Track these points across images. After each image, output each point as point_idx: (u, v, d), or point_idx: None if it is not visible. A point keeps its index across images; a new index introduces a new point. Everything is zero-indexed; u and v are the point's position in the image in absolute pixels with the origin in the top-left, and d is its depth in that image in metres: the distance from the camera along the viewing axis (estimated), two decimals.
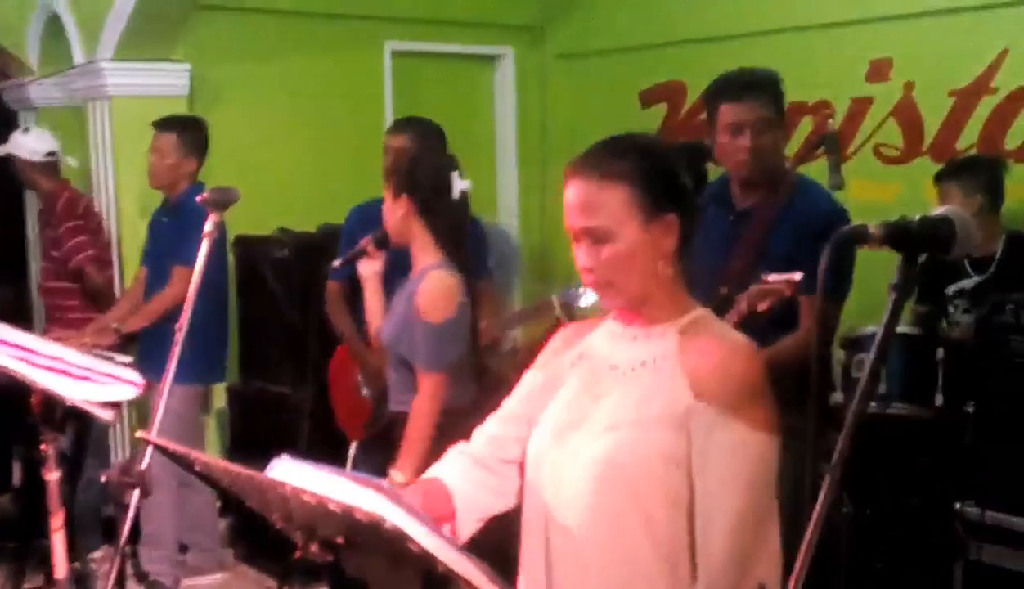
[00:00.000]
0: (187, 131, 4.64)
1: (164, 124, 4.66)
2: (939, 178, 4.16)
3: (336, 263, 3.51)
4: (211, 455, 3.37)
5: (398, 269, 3.41)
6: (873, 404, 3.47)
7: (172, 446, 1.83)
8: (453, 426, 3.12)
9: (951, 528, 3.32)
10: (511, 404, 2.05)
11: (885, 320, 1.41)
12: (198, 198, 2.79)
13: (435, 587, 1.55)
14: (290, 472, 1.62)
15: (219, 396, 5.17)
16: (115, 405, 2.53)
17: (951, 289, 4.04)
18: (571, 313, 3.91)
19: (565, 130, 6.43)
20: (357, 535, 1.57)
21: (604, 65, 6.24)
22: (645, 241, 1.81)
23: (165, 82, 5.18)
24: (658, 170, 1.85)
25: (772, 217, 3.17)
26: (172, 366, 2.53)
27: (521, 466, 1.97)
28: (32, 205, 5.71)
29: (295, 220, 5.18)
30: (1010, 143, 4.59)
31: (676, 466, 1.77)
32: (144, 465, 2.39)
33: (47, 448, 2.45)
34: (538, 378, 2.02)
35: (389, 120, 5.85)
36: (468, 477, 2.00)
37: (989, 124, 4.66)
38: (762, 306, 2.76)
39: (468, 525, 1.98)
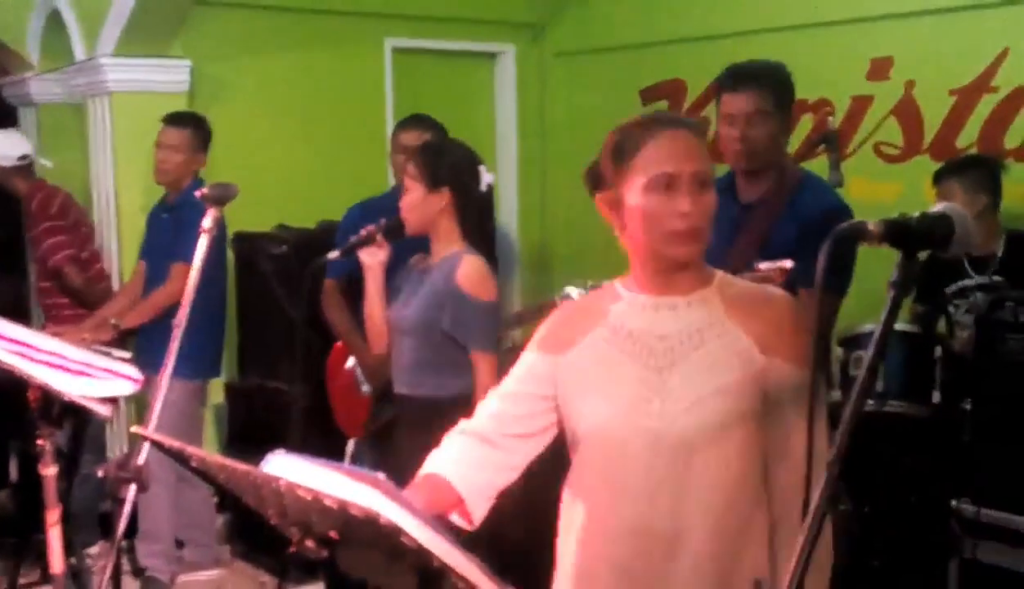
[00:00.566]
0: (199, 128, 4.65)
1: (177, 120, 4.65)
2: (940, 176, 4.15)
3: (334, 254, 3.44)
4: (208, 451, 3.37)
5: (399, 259, 3.41)
6: (871, 401, 3.47)
7: (168, 441, 1.82)
8: (459, 414, 3.18)
9: (947, 526, 3.32)
10: (510, 384, 2.09)
11: (884, 317, 1.41)
12: (197, 193, 2.78)
13: (431, 582, 1.54)
14: (285, 467, 1.61)
15: (217, 392, 5.17)
16: (113, 401, 2.53)
17: (951, 288, 4.04)
18: None
19: (565, 128, 6.43)
20: (352, 530, 1.56)
21: (605, 63, 6.24)
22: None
23: (165, 78, 5.18)
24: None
25: (776, 211, 3.18)
26: (170, 361, 2.52)
27: (524, 438, 2.03)
28: None
29: (295, 216, 5.18)
30: (1010, 142, 4.59)
31: (758, 421, 1.86)
32: (141, 460, 2.39)
33: (44, 443, 2.45)
34: (549, 361, 2.04)
35: (389, 117, 5.85)
36: (469, 460, 2.06)
37: (989, 123, 4.66)
38: None
39: (479, 506, 2.04)
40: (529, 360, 2.07)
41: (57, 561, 2.53)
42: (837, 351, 3.72)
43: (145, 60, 5.14)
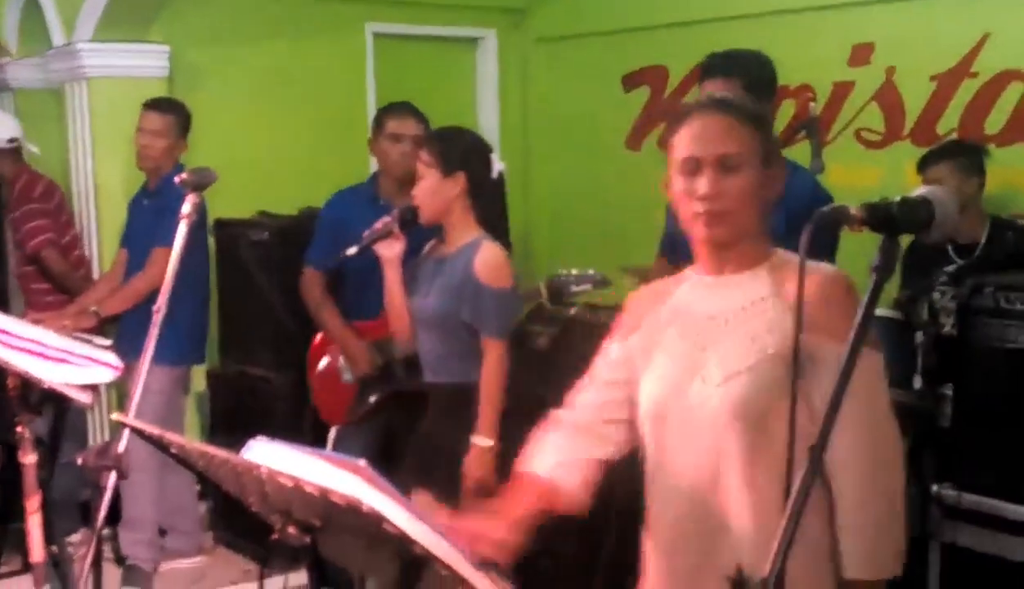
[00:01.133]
0: (181, 113, 4.63)
1: (160, 105, 4.63)
2: (929, 161, 4.15)
3: (352, 250, 3.41)
4: (191, 438, 3.36)
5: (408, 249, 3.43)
6: None
7: (147, 428, 1.82)
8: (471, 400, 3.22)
9: (928, 511, 3.33)
10: (600, 371, 2.16)
11: (866, 301, 1.41)
12: (176, 179, 2.77)
13: (413, 569, 1.54)
14: (266, 454, 1.61)
15: (199, 379, 5.15)
16: (93, 388, 2.52)
17: (936, 274, 4.05)
18: (559, 298, 3.92)
19: (547, 113, 6.42)
20: (334, 517, 1.56)
21: (586, 48, 6.22)
22: (762, 183, 1.96)
23: (144, 64, 5.15)
24: (769, 126, 2.04)
25: None
26: (150, 348, 2.51)
27: (623, 423, 2.09)
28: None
29: (276, 203, 5.16)
30: (990, 128, 4.60)
31: (804, 397, 1.85)
32: (121, 448, 2.38)
33: (23, 431, 2.44)
34: (623, 347, 2.12)
35: (370, 103, 5.83)
36: (569, 451, 2.12)
37: (970, 109, 4.67)
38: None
39: (583, 495, 2.12)
40: (611, 349, 2.16)
41: (37, 550, 2.52)
42: None
43: (124, 45, 5.11)
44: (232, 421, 4.96)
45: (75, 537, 4.76)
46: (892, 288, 4.11)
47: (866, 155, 5.01)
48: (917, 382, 3.58)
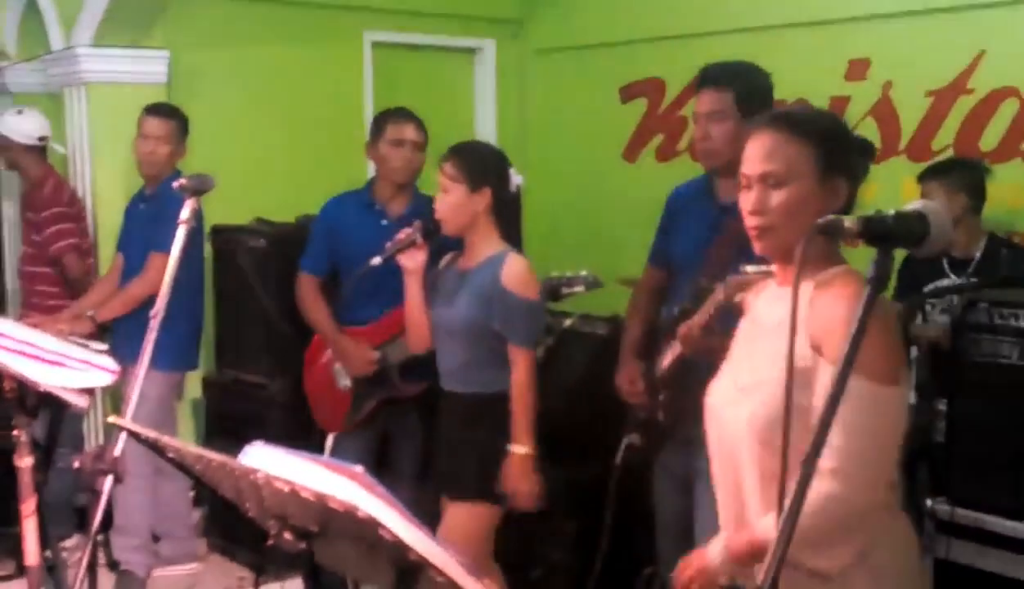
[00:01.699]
0: (182, 119, 4.66)
1: (163, 110, 4.64)
2: (923, 177, 4.19)
3: (376, 260, 3.43)
4: (187, 443, 3.36)
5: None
6: None
7: (145, 432, 1.82)
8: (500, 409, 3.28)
9: (922, 526, 3.34)
10: None
11: (859, 314, 1.42)
12: (175, 184, 2.78)
13: (408, 575, 1.55)
14: (263, 459, 1.61)
15: (194, 386, 5.15)
16: (89, 392, 2.52)
17: (928, 287, 4.07)
18: (552, 299, 3.93)
19: (545, 124, 6.43)
20: (330, 523, 1.56)
21: (584, 60, 6.24)
22: (816, 196, 1.98)
23: (143, 69, 5.15)
24: (838, 138, 2.07)
25: None
26: (147, 352, 2.51)
27: None
28: (9, 187, 5.66)
29: (273, 210, 5.16)
30: (985, 144, 4.62)
31: (800, 419, 1.86)
32: (117, 452, 2.38)
33: (19, 434, 2.44)
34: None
35: (368, 111, 5.84)
36: None
37: (965, 125, 4.69)
38: (739, 297, 2.78)
39: None
40: None
41: (32, 554, 2.52)
42: None
43: (123, 50, 5.11)
44: (228, 427, 4.96)
45: (69, 542, 4.75)
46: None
47: None
48: (911, 397, 3.59)
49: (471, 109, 6.53)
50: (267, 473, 1.53)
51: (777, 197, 1.98)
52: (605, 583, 3.52)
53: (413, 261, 3.43)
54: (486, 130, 6.50)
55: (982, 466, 3.24)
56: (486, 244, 3.36)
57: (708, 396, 2.17)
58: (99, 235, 5.18)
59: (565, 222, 6.27)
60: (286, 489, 1.50)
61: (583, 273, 3.90)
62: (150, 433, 1.80)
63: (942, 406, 3.41)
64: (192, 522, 4.92)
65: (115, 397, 4.88)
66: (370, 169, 4.62)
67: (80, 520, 4.76)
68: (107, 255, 5.03)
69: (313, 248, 4.18)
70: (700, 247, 3.24)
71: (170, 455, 1.82)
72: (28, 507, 2.46)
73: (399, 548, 1.44)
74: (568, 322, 4.40)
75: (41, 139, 5.00)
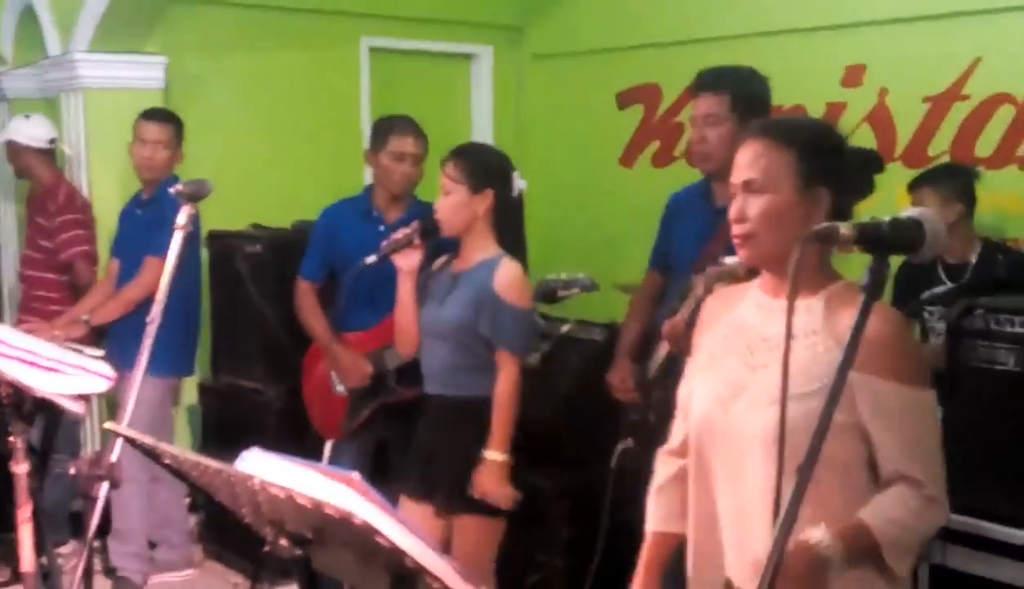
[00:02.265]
0: (179, 123, 4.67)
1: (161, 115, 4.65)
2: (915, 184, 4.19)
3: (371, 259, 3.40)
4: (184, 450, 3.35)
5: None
6: None
7: (141, 438, 1.82)
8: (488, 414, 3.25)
9: None
10: (683, 397, 2.20)
11: (855, 321, 1.42)
12: (171, 190, 2.78)
13: (404, 583, 1.55)
14: (260, 465, 1.61)
15: (191, 392, 5.15)
16: (85, 398, 2.52)
17: (925, 295, 4.07)
18: (549, 301, 3.92)
19: (542, 130, 6.44)
20: (326, 530, 1.56)
21: (581, 66, 6.25)
22: (797, 206, 1.96)
23: (140, 75, 5.15)
24: (823, 146, 2.02)
25: None
26: (144, 358, 2.52)
27: None
28: (6, 191, 5.66)
29: (269, 216, 5.16)
30: (981, 151, 4.63)
31: (843, 433, 1.87)
32: (114, 458, 2.38)
33: (15, 440, 2.44)
34: (694, 362, 2.16)
35: (365, 117, 5.84)
36: (674, 498, 2.20)
37: (961, 131, 4.70)
38: (719, 287, 2.77)
39: None
40: (688, 367, 2.20)
41: (28, 560, 2.51)
42: None
43: (120, 56, 5.11)
44: (224, 434, 4.96)
45: (66, 548, 4.74)
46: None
47: None
48: None
49: (468, 115, 6.53)
50: (263, 479, 1.53)
51: (756, 204, 1.97)
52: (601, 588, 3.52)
53: (408, 261, 3.38)
54: (483, 136, 6.50)
55: (978, 472, 3.24)
56: (481, 248, 3.32)
57: (699, 413, 2.09)
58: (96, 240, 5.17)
59: (562, 227, 6.27)
60: (282, 495, 1.50)
61: (579, 276, 3.90)
62: (146, 439, 1.79)
63: (938, 412, 3.41)
64: (188, 528, 4.92)
65: (112, 403, 4.88)
66: (367, 175, 4.62)
67: (76, 526, 4.76)
68: (104, 260, 5.03)
69: (311, 255, 4.18)
70: (698, 250, 3.25)
71: (166, 461, 1.82)
72: (24, 513, 2.45)
73: (395, 555, 1.44)
74: (565, 328, 4.40)
75: (51, 142, 5.01)
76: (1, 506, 2.92)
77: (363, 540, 1.44)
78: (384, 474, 4.04)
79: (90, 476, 2.35)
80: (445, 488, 3.29)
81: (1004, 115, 4.57)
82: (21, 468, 2.44)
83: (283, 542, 1.68)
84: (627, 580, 2.23)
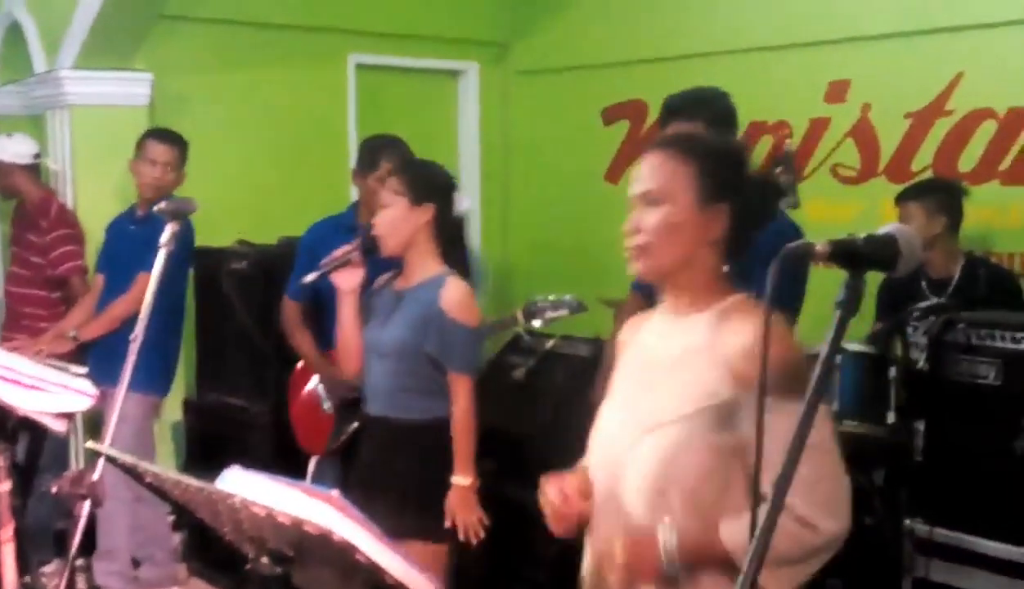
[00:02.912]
0: (185, 146, 4.68)
1: (169, 137, 4.66)
2: (901, 198, 4.22)
3: (310, 277, 3.30)
4: (165, 467, 3.34)
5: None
6: None
7: (122, 457, 1.82)
8: (439, 437, 3.18)
9: (901, 545, 3.35)
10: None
11: (831, 337, 1.43)
12: (155, 208, 2.79)
13: None
14: (240, 482, 1.61)
15: (175, 409, 5.13)
16: (68, 416, 2.52)
17: (908, 309, 4.09)
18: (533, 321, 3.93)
19: (528, 146, 6.46)
20: (306, 547, 1.57)
21: (567, 82, 6.28)
22: (693, 220, 1.91)
23: (126, 91, 5.15)
24: (726, 162, 1.97)
25: None
26: (126, 375, 2.51)
27: None
28: None
29: (255, 232, 5.15)
30: (963, 165, 4.66)
31: (727, 454, 1.83)
32: (96, 476, 2.38)
33: None
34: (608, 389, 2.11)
35: (352, 133, 5.85)
36: None
37: (944, 146, 4.73)
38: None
39: None
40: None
41: (10, 580, 2.50)
42: None
43: (106, 73, 5.11)
44: (208, 450, 4.94)
45: (49, 568, 4.71)
46: (867, 324, 4.14)
47: (842, 191, 5.06)
48: (891, 417, 3.61)
49: (455, 131, 6.55)
50: (243, 497, 1.53)
51: (652, 216, 1.92)
52: None
53: (347, 281, 3.23)
54: (470, 152, 6.53)
55: (960, 486, 3.26)
56: (425, 265, 3.22)
57: (596, 436, 2.04)
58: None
59: (548, 243, 6.29)
60: (262, 513, 1.50)
61: (567, 298, 3.91)
62: (127, 458, 1.79)
63: (920, 426, 3.43)
64: (172, 546, 4.90)
65: (96, 420, 4.86)
66: (353, 192, 4.62)
67: (60, 545, 4.73)
68: (90, 277, 5.02)
69: (297, 273, 4.17)
70: None
71: (148, 480, 1.82)
72: (6, 533, 2.45)
73: (375, 572, 1.44)
74: (550, 343, 4.41)
75: (36, 157, 5.01)
76: None
77: (342, 558, 1.44)
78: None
79: (72, 494, 2.34)
80: (384, 513, 3.20)
81: (986, 130, 4.61)
82: (3, 487, 2.43)
83: (264, 560, 1.68)
84: None
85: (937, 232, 4.07)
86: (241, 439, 4.71)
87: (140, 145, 4.63)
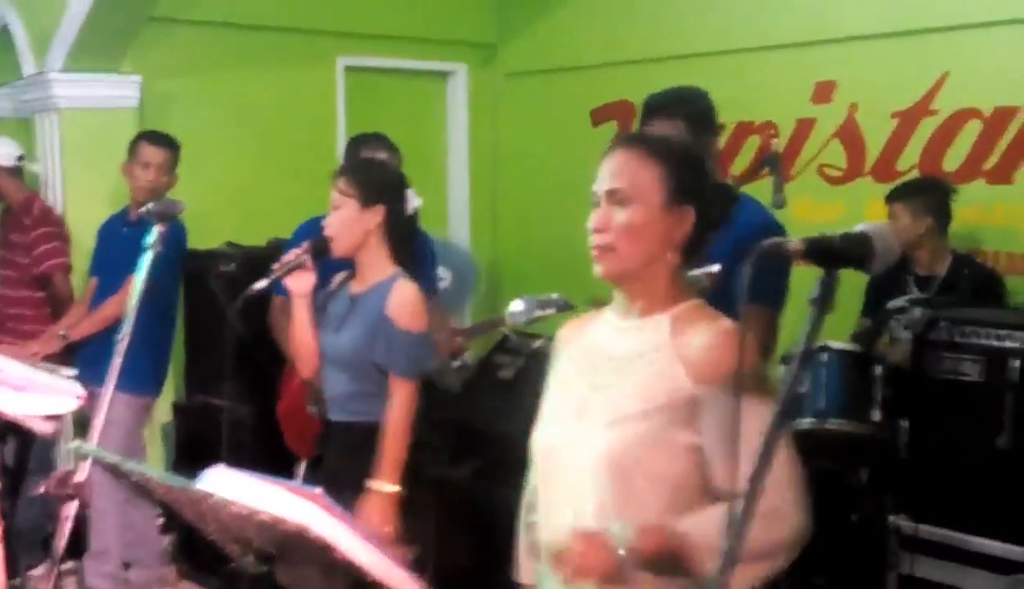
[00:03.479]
0: (178, 149, 4.68)
1: (164, 140, 4.65)
2: (889, 198, 4.25)
3: (261, 285, 3.20)
4: (155, 470, 3.34)
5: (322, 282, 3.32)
6: (812, 420, 3.53)
7: (107, 457, 1.82)
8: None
9: (886, 542, 3.37)
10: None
11: (805, 334, 1.45)
12: (142, 210, 2.79)
13: None
14: (224, 482, 1.62)
15: (164, 410, 5.13)
16: (56, 418, 2.52)
17: (891, 304, 4.11)
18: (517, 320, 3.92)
19: (516, 147, 6.48)
20: (288, 545, 1.58)
21: (555, 83, 6.29)
22: (660, 221, 1.92)
23: (115, 94, 5.16)
24: (690, 165, 1.98)
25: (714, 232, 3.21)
26: (113, 376, 2.51)
27: None
28: None
29: (244, 234, 5.16)
30: (949, 165, 4.69)
31: (685, 452, 1.84)
32: (83, 476, 2.38)
33: None
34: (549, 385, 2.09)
35: (341, 135, 5.86)
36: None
37: (929, 146, 4.76)
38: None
39: None
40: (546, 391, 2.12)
41: None
42: (779, 369, 3.77)
43: (95, 76, 5.12)
44: (197, 452, 4.93)
45: (38, 570, 4.71)
46: (852, 322, 4.17)
47: (828, 190, 5.08)
48: (876, 414, 3.63)
49: (444, 132, 6.57)
50: (224, 497, 1.53)
51: (620, 216, 1.91)
52: None
53: (299, 285, 3.19)
54: (458, 153, 6.54)
55: (944, 482, 3.28)
56: (377, 267, 3.18)
57: (541, 435, 2.03)
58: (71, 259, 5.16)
59: (536, 244, 6.30)
60: (244, 512, 1.51)
61: (554, 296, 3.90)
62: (112, 458, 1.80)
63: (905, 423, 3.45)
64: (162, 549, 4.90)
65: (86, 422, 4.86)
66: None
67: (49, 548, 4.73)
68: (79, 279, 5.02)
69: None
70: None
71: (133, 480, 1.83)
72: None
73: (353, 569, 1.45)
74: (537, 344, 4.41)
75: (19, 159, 5.01)
76: None
77: (322, 555, 1.45)
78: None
79: (58, 495, 2.34)
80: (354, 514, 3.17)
81: (971, 129, 4.63)
82: None
83: (250, 559, 1.69)
84: None
85: (922, 232, 4.11)
86: (230, 440, 4.70)
87: (133, 148, 4.63)
